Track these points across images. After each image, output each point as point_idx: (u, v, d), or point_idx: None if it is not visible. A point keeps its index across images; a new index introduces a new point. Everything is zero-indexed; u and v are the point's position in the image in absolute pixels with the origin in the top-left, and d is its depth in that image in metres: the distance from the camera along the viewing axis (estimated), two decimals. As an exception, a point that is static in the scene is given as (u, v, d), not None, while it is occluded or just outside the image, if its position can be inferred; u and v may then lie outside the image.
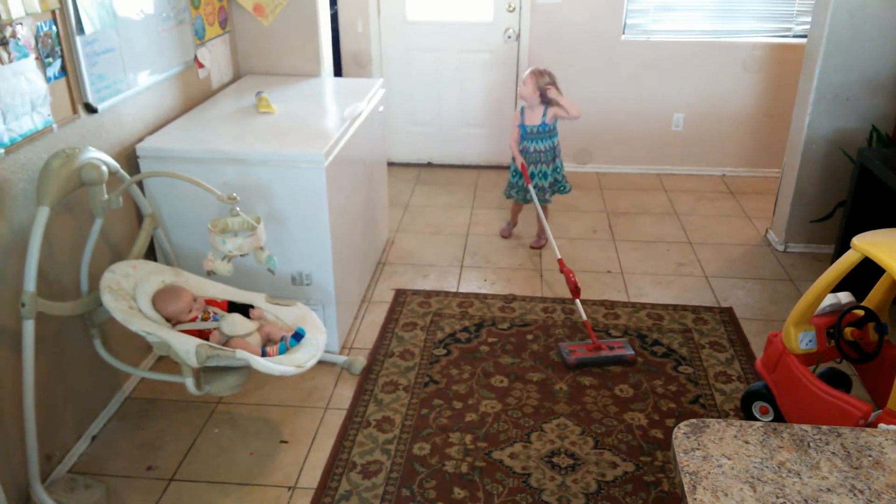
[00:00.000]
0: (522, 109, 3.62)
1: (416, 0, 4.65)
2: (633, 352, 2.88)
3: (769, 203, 4.11)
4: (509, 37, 4.63)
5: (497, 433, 2.48)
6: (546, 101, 3.54)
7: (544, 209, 3.74)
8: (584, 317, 3.03)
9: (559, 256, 3.31)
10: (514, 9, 4.58)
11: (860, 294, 2.41)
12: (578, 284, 3.13)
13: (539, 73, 3.54)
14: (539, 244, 3.87)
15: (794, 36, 4.52)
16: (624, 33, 4.60)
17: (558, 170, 3.71)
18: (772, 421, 2.44)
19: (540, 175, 3.67)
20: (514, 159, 3.68)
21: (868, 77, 3.42)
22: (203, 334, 2.18)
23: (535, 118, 3.58)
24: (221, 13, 3.47)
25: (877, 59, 3.38)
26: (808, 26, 3.78)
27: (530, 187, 3.61)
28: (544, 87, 3.52)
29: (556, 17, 4.53)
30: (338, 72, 4.70)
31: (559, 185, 3.75)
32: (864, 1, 3.28)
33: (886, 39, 3.34)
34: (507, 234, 3.98)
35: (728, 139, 4.79)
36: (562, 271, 3.18)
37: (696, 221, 4.19)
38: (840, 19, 3.32)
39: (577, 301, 3.10)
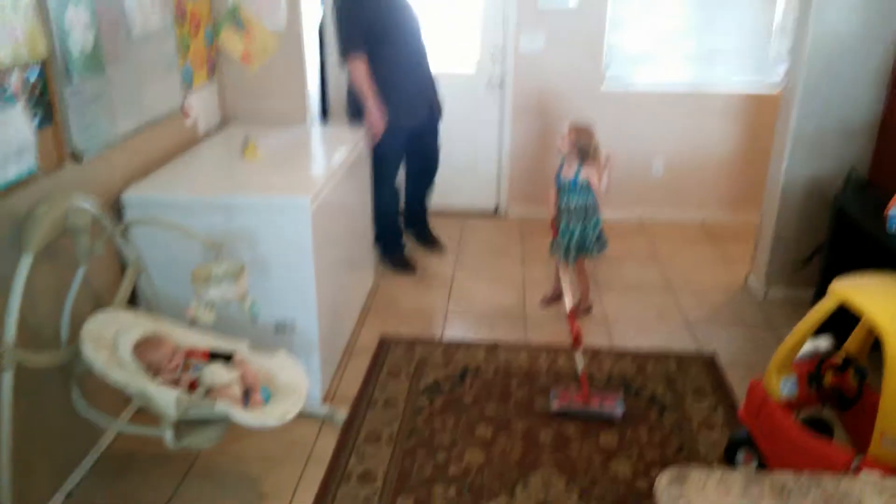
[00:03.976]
0: (563, 160, 3.48)
1: (402, 50, 4.73)
2: (622, 411, 2.79)
3: (749, 248, 4.16)
4: (493, 85, 4.72)
5: (481, 486, 2.45)
6: (582, 158, 3.39)
7: (580, 271, 3.61)
8: (581, 367, 2.88)
9: (570, 307, 3.07)
10: (498, 59, 4.67)
11: (843, 335, 2.43)
12: (581, 335, 2.98)
13: (579, 131, 3.40)
14: (553, 298, 3.73)
15: (770, 85, 4.64)
16: (604, 83, 4.70)
17: (588, 231, 3.47)
18: (757, 468, 2.43)
19: (569, 232, 3.47)
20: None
21: (843, 123, 3.50)
22: (183, 385, 2.16)
23: (569, 172, 3.42)
24: (209, 61, 3.52)
25: (851, 105, 3.47)
26: (783, 76, 3.88)
27: (555, 242, 3.50)
28: (583, 147, 3.38)
29: (539, 67, 4.63)
30: (325, 117, 4.75)
31: (586, 248, 3.49)
32: (839, 48, 3.38)
33: (859, 87, 3.44)
34: (547, 301, 3.76)
35: (708, 185, 4.87)
36: (569, 321, 2.99)
37: (678, 266, 4.23)
38: (814, 67, 3.42)
39: (577, 351, 2.92)
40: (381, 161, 3.83)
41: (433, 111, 4.00)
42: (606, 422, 2.77)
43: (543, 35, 4.57)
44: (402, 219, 4.29)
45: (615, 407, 2.81)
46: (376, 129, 3.65)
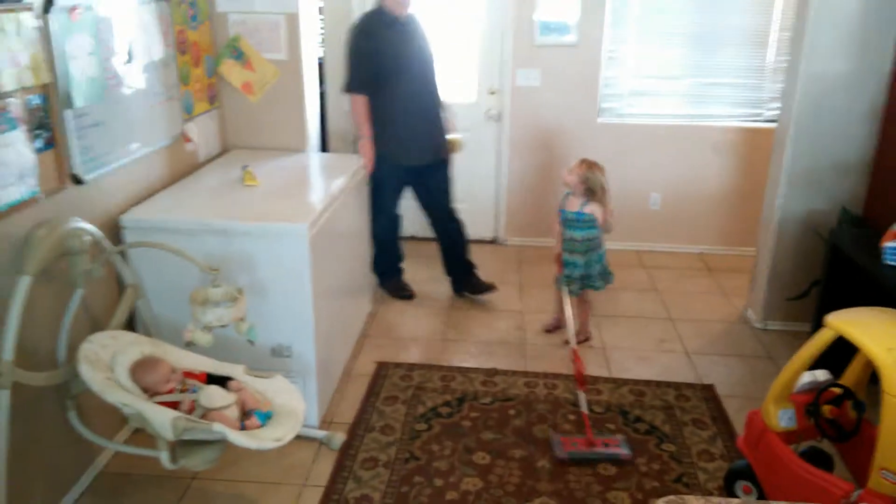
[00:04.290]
0: (567, 194, 3.48)
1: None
2: (628, 451, 2.73)
3: (746, 280, 4.18)
4: (491, 117, 4.78)
5: (478, 512, 2.43)
6: (589, 195, 3.39)
7: (580, 301, 3.58)
8: (585, 409, 2.86)
9: (574, 346, 3.08)
10: (495, 91, 4.73)
11: (838, 370, 2.44)
12: (585, 374, 2.97)
13: (588, 166, 3.38)
14: (555, 326, 3.74)
15: (765, 120, 4.70)
16: (600, 116, 4.75)
17: (591, 265, 3.47)
18: (756, 499, 2.41)
19: (572, 265, 3.46)
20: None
21: (836, 160, 3.54)
22: (180, 406, 2.15)
23: (573, 205, 3.42)
24: (210, 90, 3.56)
25: (844, 142, 3.52)
26: (777, 111, 3.94)
27: (559, 277, 3.47)
28: (591, 184, 3.36)
29: (536, 100, 4.69)
30: (325, 147, 4.79)
31: (590, 281, 3.50)
32: (830, 89, 3.44)
33: (852, 124, 3.48)
34: (550, 328, 3.76)
35: (705, 218, 4.90)
36: (574, 360, 2.96)
37: (676, 298, 4.23)
38: (807, 106, 3.47)
39: (581, 392, 2.90)
40: (378, 188, 3.85)
41: (438, 155, 3.89)
42: (613, 462, 2.73)
43: (539, 69, 4.64)
44: (449, 280, 4.19)
45: (620, 447, 2.75)
46: (367, 163, 3.69)
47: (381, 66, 3.59)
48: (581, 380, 2.90)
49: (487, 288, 4.08)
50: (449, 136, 3.95)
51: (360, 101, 3.66)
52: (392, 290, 4.14)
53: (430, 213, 4.06)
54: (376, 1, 3.66)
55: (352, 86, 3.66)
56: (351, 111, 3.75)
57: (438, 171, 3.96)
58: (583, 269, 3.47)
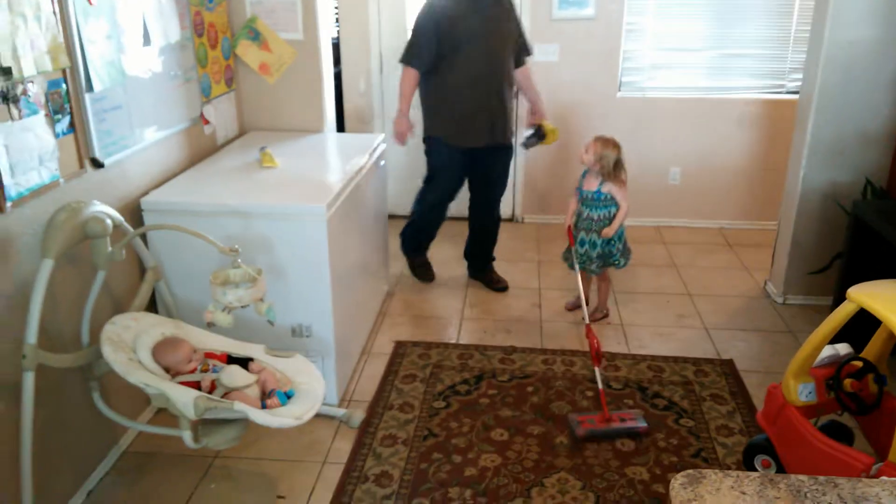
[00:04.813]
0: (585, 172, 3.46)
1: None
2: (646, 424, 2.74)
3: (767, 255, 4.14)
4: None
5: (497, 488, 2.46)
6: (605, 173, 3.36)
7: (601, 279, 3.60)
8: (601, 385, 2.89)
9: (588, 322, 3.15)
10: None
11: (860, 345, 2.41)
12: (601, 352, 3.00)
13: (604, 143, 3.35)
14: (577, 304, 3.65)
15: (788, 92, 4.62)
16: (620, 90, 4.70)
17: (612, 242, 3.44)
18: (776, 473, 2.41)
19: (590, 244, 3.44)
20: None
21: (860, 131, 3.48)
22: (202, 386, 2.18)
23: (592, 184, 3.40)
24: (228, 72, 3.57)
25: (868, 113, 3.45)
26: (800, 83, 3.87)
27: (573, 251, 3.44)
28: (606, 161, 3.33)
29: (554, 75, 4.64)
30: (340, 127, 4.79)
31: (612, 259, 3.47)
32: (854, 57, 3.37)
33: (876, 94, 3.42)
34: (570, 307, 3.75)
35: (725, 192, 4.85)
36: (587, 337, 3.00)
37: (695, 273, 4.21)
38: (831, 75, 3.41)
39: (597, 369, 2.93)
40: (433, 173, 3.82)
41: (497, 139, 3.70)
42: (631, 436, 2.74)
43: (558, 44, 4.59)
44: (466, 264, 4.16)
45: (637, 420, 2.76)
46: (398, 137, 3.69)
47: (444, 42, 3.50)
48: (596, 356, 2.91)
49: (501, 288, 4.01)
50: (544, 124, 3.81)
51: (410, 74, 3.61)
52: (413, 264, 4.12)
53: (475, 199, 3.93)
54: None
55: (405, 57, 3.62)
56: (400, 81, 3.68)
57: (496, 158, 3.80)
58: (600, 247, 3.44)
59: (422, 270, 4.12)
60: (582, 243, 3.46)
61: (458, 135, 3.66)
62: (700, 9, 4.54)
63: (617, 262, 3.49)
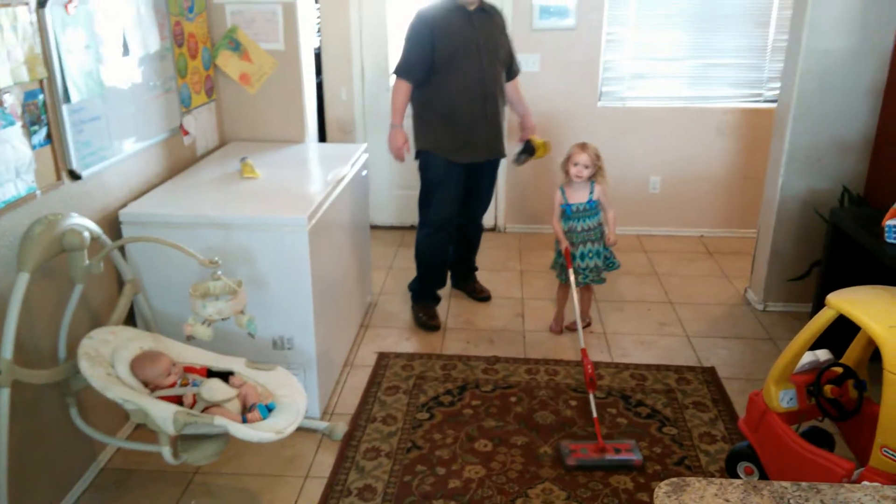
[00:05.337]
0: (562, 189, 3.39)
1: (399, 69, 4.77)
2: (640, 457, 2.62)
3: (747, 263, 4.17)
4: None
5: (482, 500, 2.44)
6: (597, 176, 3.34)
7: (584, 288, 3.51)
8: (595, 412, 2.81)
9: (583, 346, 3.08)
10: (493, 77, 4.71)
11: (839, 351, 2.44)
12: (595, 378, 2.96)
13: (586, 146, 3.34)
14: (568, 327, 3.61)
15: (765, 101, 4.68)
16: (600, 100, 4.74)
17: (607, 249, 3.43)
18: (759, 480, 2.42)
19: (592, 254, 3.38)
20: (557, 241, 3.44)
21: (837, 139, 3.53)
22: (184, 401, 2.15)
23: (580, 195, 3.35)
24: (208, 82, 3.55)
25: (845, 121, 3.50)
26: (778, 91, 3.92)
27: (571, 273, 3.31)
28: (602, 162, 3.34)
29: (535, 86, 4.66)
30: (322, 137, 4.78)
31: (610, 262, 3.45)
32: (831, 66, 3.42)
33: (853, 102, 3.47)
34: (557, 329, 3.63)
35: (705, 200, 4.89)
36: (583, 362, 2.96)
37: (676, 281, 4.23)
38: (808, 84, 3.45)
39: (591, 394, 2.87)
40: (427, 190, 3.62)
41: (492, 154, 3.65)
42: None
43: (539, 54, 4.61)
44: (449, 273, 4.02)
45: (632, 452, 2.65)
46: (395, 152, 3.56)
47: (438, 56, 3.40)
48: (591, 382, 2.89)
49: (484, 298, 3.99)
50: (534, 138, 3.75)
51: (402, 87, 3.49)
52: (419, 314, 3.75)
53: (463, 212, 3.76)
54: None
55: (399, 68, 3.49)
56: (392, 94, 3.54)
57: (490, 171, 3.76)
58: (604, 252, 3.41)
59: (428, 318, 3.73)
60: (583, 257, 3.38)
61: (458, 149, 3.53)
62: (679, 19, 4.59)
63: (613, 263, 3.46)
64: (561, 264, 3.44)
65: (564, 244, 3.37)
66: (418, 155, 3.62)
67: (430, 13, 3.44)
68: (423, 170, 3.62)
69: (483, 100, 3.51)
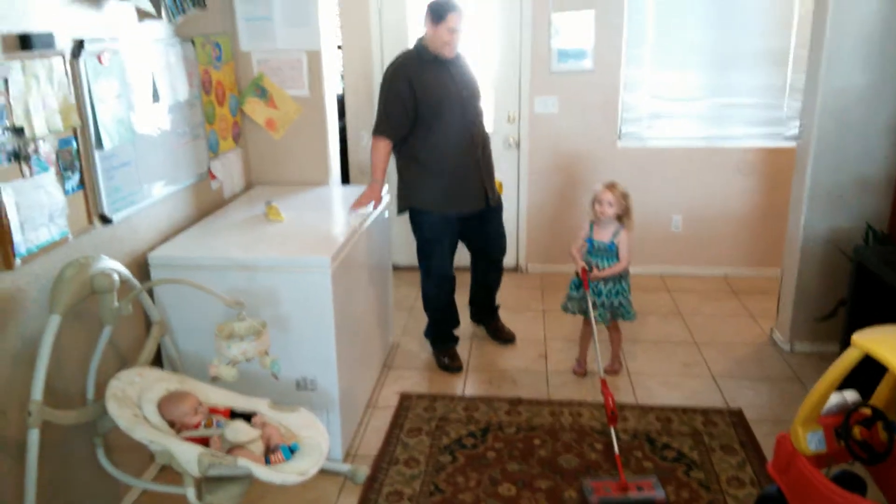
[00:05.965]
0: (591, 223, 3.41)
1: (420, 112, 4.84)
2: (663, 494, 2.61)
3: (772, 302, 4.13)
4: (510, 145, 4.81)
5: (505, 543, 2.41)
6: (623, 217, 3.34)
7: (612, 330, 3.54)
8: (617, 449, 2.80)
9: (603, 376, 3.08)
10: (513, 119, 4.78)
11: (869, 390, 2.39)
12: (616, 411, 2.93)
13: (614, 185, 3.34)
14: (581, 371, 3.58)
15: (786, 139, 4.68)
16: (620, 139, 4.77)
17: (623, 293, 3.40)
18: (788, 526, 2.36)
19: (612, 293, 3.39)
20: (576, 273, 3.39)
21: (859, 176, 3.52)
22: (206, 442, 2.17)
23: (605, 235, 3.35)
24: (235, 128, 3.64)
25: (865, 158, 3.49)
26: (797, 130, 3.92)
27: (588, 294, 3.30)
28: (630, 201, 3.34)
29: (554, 127, 4.72)
30: (345, 180, 4.85)
31: (623, 310, 3.42)
32: (849, 104, 3.43)
33: (872, 139, 3.46)
34: (580, 371, 3.59)
35: (728, 239, 4.87)
36: (603, 393, 2.95)
37: (701, 321, 4.19)
38: (827, 122, 3.46)
39: (612, 429, 2.86)
40: (425, 246, 3.58)
41: (488, 198, 3.59)
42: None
43: (557, 96, 4.67)
44: (469, 309, 4.04)
45: (655, 489, 2.63)
46: (365, 204, 3.35)
47: (420, 111, 3.33)
48: (612, 416, 2.86)
49: (508, 340, 3.96)
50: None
51: (382, 145, 3.39)
52: (441, 357, 3.73)
53: (481, 257, 3.80)
54: (417, 39, 3.41)
55: (377, 126, 3.41)
56: (371, 152, 3.47)
57: (490, 218, 3.69)
58: (615, 297, 3.39)
59: (449, 360, 3.71)
60: (599, 293, 3.38)
61: (450, 202, 3.47)
62: (696, 60, 4.64)
63: (627, 313, 3.43)
64: (572, 296, 3.44)
65: (580, 265, 3.35)
66: (410, 213, 3.55)
67: (406, 65, 3.36)
68: (417, 229, 3.57)
69: (472, 147, 3.47)
